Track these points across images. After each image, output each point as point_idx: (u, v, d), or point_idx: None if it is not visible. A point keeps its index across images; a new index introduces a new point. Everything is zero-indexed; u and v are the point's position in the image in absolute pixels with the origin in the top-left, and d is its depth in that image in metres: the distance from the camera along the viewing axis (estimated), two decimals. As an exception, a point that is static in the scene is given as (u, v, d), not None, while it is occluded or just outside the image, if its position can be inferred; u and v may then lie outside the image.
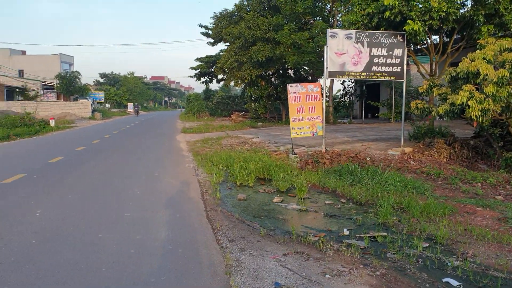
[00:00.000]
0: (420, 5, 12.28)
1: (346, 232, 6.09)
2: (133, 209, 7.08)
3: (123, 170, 11.29)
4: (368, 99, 29.98)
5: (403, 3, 12.02)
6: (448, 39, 14.59)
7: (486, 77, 9.39)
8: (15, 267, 4.52)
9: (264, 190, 9.14)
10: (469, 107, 9.37)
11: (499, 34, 13.29)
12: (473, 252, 5.16)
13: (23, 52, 69.11)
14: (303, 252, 5.18)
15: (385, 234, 5.87)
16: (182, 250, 5.12)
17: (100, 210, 7.05)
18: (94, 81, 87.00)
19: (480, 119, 9.38)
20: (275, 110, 35.30)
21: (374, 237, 5.78)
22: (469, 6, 13.14)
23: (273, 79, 34.18)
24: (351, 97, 34.14)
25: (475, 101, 9.24)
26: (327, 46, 12.31)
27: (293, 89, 12.81)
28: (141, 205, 7.38)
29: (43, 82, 56.75)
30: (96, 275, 4.35)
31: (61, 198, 7.88)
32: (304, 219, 6.93)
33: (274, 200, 8.13)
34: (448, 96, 10.15)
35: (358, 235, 5.88)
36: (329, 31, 12.51)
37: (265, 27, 28.02)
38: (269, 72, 32.63)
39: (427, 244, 5.46)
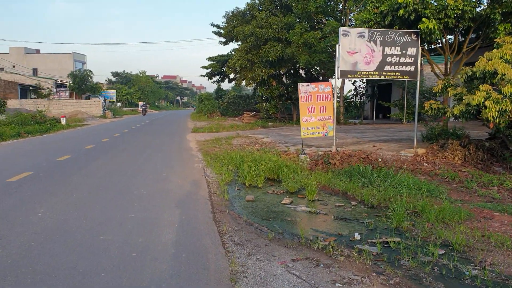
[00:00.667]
0: (436, 3, 11.98)
1: (357, 236, 5.84)
2: (138, 210, 6.89)
3: (130, 169, 11.14)
4: (379, 100, 29.62)
5: (417, 0, 11.73)
6: (463, 38, 14.24)
7: (503, 77, 9.08)
8: (10, 271, 4.34)
9: (273, 191, 8.93)
10: (485, 107, 9.06)
11: (517, 33, 12.93)
12: (491, 260, 4.89)
13: (37, 51, 69.75)
14: (312, 258, 4.96)
15: (399, 239, 5.62)
16: (186, 255, 4.91)
17: (104, 210, 6.87)
18: (106, 80, 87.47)
19: (497, 120, 9.05)
20: (286, 110, 35.05)
21: (387, 242, 5.53)
22: (485, 4, 12.79)
23: (284, 79, 33.95)
24: (362, 97, 33.76)
25: (492, 101, 8.93)
26: (339, 45, 12.05)
27: (304, 89, 12.58)
28: (146, 206, 7.20)
29: (56, 80, 57.13)
30: (93, 280, 4.16)
31: (65, 197, 7.73)
32: (313, 222, 6.70)
33: (283, 202, 7.91)
34: (464, 97, 9.84)
35: (370, 240, 5.63)
36: (341, 29, 12.25)
37: (276, 26, 27.81)
38: (280, 72, 32.42)
39: (443, 251, 5.19)
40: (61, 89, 56.51)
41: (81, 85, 53.47)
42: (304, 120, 12.53)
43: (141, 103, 69.10)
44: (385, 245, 5.48)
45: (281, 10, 30.72)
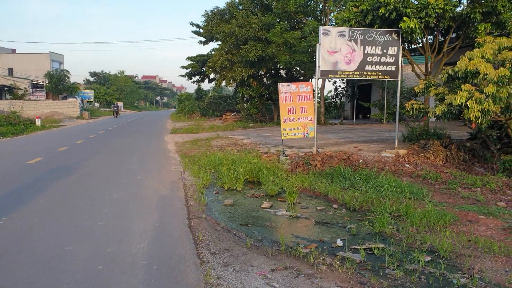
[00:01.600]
0: (416, 2, 11.84)
1: (339, 243, 5.58)
2: (108, 217, 6.50)
3: (103, 173, 10.69)
4: (359, 100, 29.61)
5: (398, -1, 11.55)
6: (444, 38, 14.17)
7: (485, 77, 8.94)
8: (-39, 289, 3.96)
9: (253, 194, 8.64)
10: (468, 107, 8.91)
11: (496, 33, 12.88)
12: (479, 267, 4.67)
13: (13, 51, 68.02)
14: (293, 267, 4.67)
15: (383, 246, 5.36)
16: (157, 266, 4.56)
17: (72, 218, 6.46)
18: (84, 80, 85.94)
19: (479, 120, 8.91)
20: (267, 111, 34.81)
21: (370, 249, 5.27)
22: (465, 3, 12.72)
23: (265, 79, 33.67)
24: (342, 97, 33.73)
25: (474, 101, 8.78)
26: (319, 44, 11.83)
27: (285, 89, 12.33)
28: (117, 213, 6.81)
29: (32, 80, 55.73)
30: (54, 298, 3.81)
31: (32, 204, 7.28)
32: (294, 227, 6.42)
33: (263, 206, 7.62)
34: (446, 97, 9.70)
35: (353, 247, 5.37)
36: (322, 28, 12.02)
37: (256, 25, 27.51)
38: (261, 72, 32.13)
39: (429, 258, 4.96)
40: (38, 89, 55.14)
41: (57, 85, 52.29)
42: (284, 121, 12.29)
43: (120, 104, 67.09)
44: (368, 251, 5.22)
45: (261, 9, 30.44)
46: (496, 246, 5.26)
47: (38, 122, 29.01)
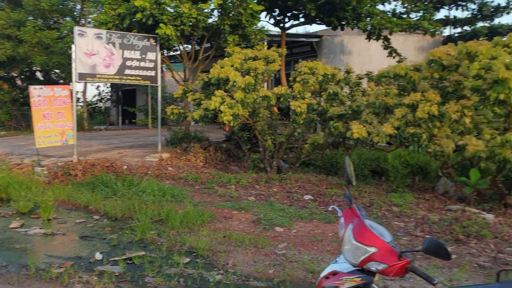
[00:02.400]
0: (172, 10, 12.23)
1: (98, 256, 5.30)
2: None
3: None
4: (125, 105, 29.23)
5: (154, 6, 11.72)
6: (199, 47, 15.03)
7: (235, 83, 9.79)
8: None
9: (0, 213, 7.55)
10: (221, 112, 9.62)
11: (243, 45, 14.29)
12: (233, 262, 5.03)
13: None
14: (43, 292, 4.22)
15: (143, 253, 5.32)
16: None
17: None
18: None
19: (232, 123, 9.71)
20: (23, 117, 31.18)
21: (130, 258, 5.16)
22: (216, 15, 13.74)
23: (19, 82, 30.15)
24: (107, 102, 32.72)
25: (226, 106, 9.53)
26: (75, 45, 11.17)
27: (37, 92, 11.22)
28: None
29: None
30: None
31: None
32: (48, 246, 5.84)
33: (12, 226, 6.73)
34: (202, 102, 10.30)
35: (112, 259, 5.17)
36: (77, 29, 11.36)
37: (4, 22, 24.42)
38: (13, 73, 28.69)
39: (189, 259, 5.12)
40: None
41: None
42: (39, 128, 11.17)
43: None
44: (128, 261, 5.10)
45: (9, 4, 27.13)
46: (247, 238, 5.78)
47: None
